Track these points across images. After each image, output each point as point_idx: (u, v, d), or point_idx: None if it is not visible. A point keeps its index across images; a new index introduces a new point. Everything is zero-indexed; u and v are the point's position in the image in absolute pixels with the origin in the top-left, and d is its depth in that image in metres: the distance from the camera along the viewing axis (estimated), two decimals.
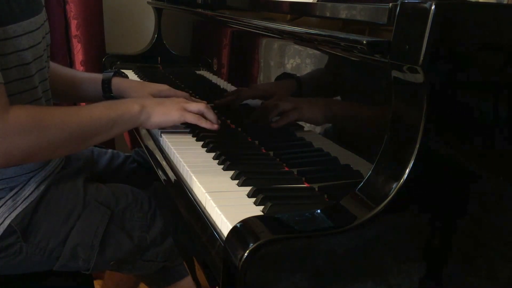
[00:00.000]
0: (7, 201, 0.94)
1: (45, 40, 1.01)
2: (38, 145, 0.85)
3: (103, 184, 1.07)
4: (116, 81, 1.22)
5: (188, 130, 1.08)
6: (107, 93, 1.21)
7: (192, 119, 1.01)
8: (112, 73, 1.23)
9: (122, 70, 1.59)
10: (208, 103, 1.27)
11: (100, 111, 0.94)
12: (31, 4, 0.94)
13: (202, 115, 1.03)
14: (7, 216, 0.93)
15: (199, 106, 1.03)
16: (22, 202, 0.94)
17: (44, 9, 1.02)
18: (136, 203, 1.04)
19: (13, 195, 0.94)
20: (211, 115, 1.03)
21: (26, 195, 0.95)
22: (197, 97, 1.32)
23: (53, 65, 1.16)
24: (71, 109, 0.92)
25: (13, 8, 0.88)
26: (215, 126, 1.03)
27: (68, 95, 1.24)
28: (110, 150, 1.28)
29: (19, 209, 0.94)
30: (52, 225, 0.96)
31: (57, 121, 0.87)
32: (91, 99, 1.23)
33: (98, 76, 1.23)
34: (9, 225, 0.92)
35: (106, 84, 1.21)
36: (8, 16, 0.86)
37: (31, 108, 0.89)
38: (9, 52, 0.88)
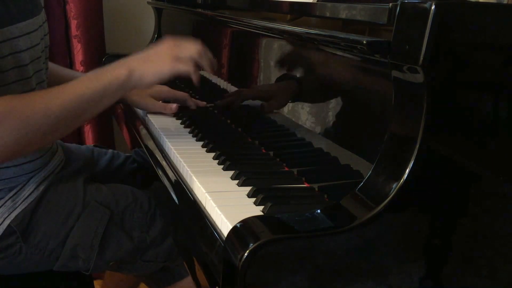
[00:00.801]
0: (6, 201, 0.94)
1: (44, 42, 1.01)
2: (23, 136, 0.81)
3: (103, 184, 1.07)
4: None
5: (188, 130, 1.08)
6: None
7: (184, 68, 0.92)
8: None
9: None
10: (208, 103, 1.28)
11: (85, 86, 0.87)
12: (29, 5, 0.94)
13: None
14: (7, 216, 0.93)
15: (191, 52, 0.93)
16: (21, 202, 0.94)
17: (43, 10, 1.01)
18: (136, 203, 1.04)
19: (13, 195, 0.94)
20: (204, 61, 0.95)
21: (26, 195, 0.95)
22: (197, 97, 1.33)
23: (53, 66, 1.16)
24: (53, 91, 0.86)
25: (10, 9, 0.87)
26: (210, 70, 0.96)
27: None
28: (110, 151, 1.28)
29: (18, 210, 0.93)
30: (51, 226, 0.96)
31: (39, 107, 0.83)
32: None
33: None
34: (9, 225, 0.92)
35: None
36: (5, 17, 0.86)
37: (10, 98, 0.82)
38: (6, 54, 0.87)
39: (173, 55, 0.92)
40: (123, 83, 0.89)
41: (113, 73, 0.90)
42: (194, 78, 0.94)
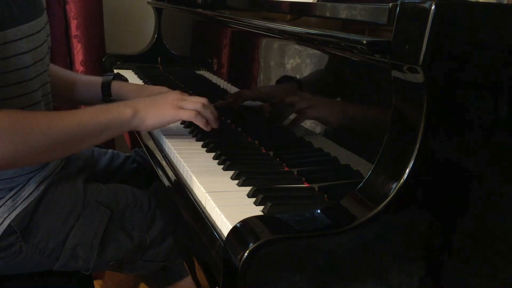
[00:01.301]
0: (6, 201, 0.94)
1: (47, 43, 1.01)
2: (20, 151, 0.83)
3: (103, 184, 1.07)
4: (116, 85, 1.21)
5: (188, 130, 1.08)
6: (107, 97, 1.21)
7: (186, 116, 0.97)
8: (112, 76, 1.23)
9: (123, 70, 1.59)
10: None
11: (90, 116, 0.91)
12: (32, 7, 0.94)
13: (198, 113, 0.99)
14: (7, 216, 0.93)
15: (195, 104, 0.98)
16: (21, 202, 0.94)
17: (45, 11, 1.02)
18: (136, 203, 1.04)
19: (13, 195, 0.94)
20: (208, 113, 0.99)
21: (26, 195, 0.95)
22: None
23: (53, 68, 1.16)
24: (58, 114, 0.89)
25: (13, 11, 0.87)
26: (209, 127, 1.00)
27: (67, 98, 1.24)
28: (110, 150, 1.28)
29: (18, 209, 0.94)
30: (52, 225, 0.96)
31: (41, 127, 0.85)
32: (90, 102, 1.22)
33: (98, 79, 1.22)
34: (9, 225, 0.93)
35: (106, 87, 1.21)
36: (8, 20, 0.86)
37: (15, 112, 0.86)
38: (8, 56, 0.87)
39: (176, 105, 0.97)
40: (126, 121, 0.94)
41: (118, 110, 0.94)
42: (200, 125, 0.99)
